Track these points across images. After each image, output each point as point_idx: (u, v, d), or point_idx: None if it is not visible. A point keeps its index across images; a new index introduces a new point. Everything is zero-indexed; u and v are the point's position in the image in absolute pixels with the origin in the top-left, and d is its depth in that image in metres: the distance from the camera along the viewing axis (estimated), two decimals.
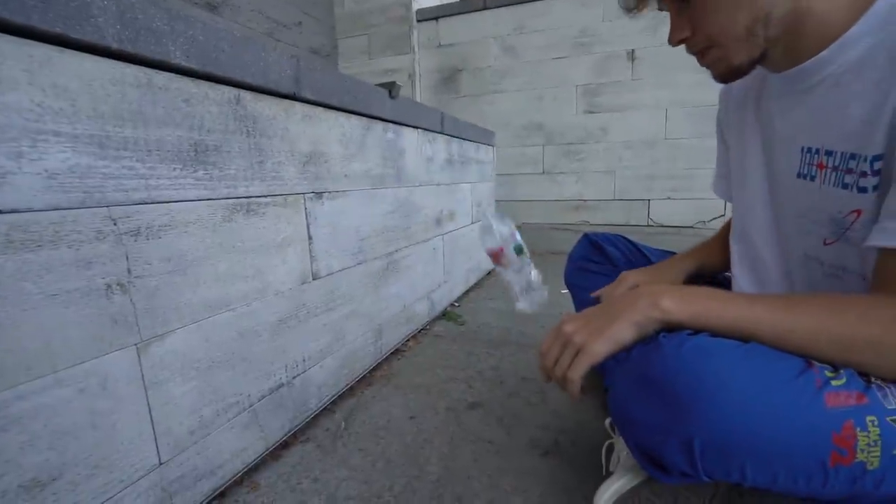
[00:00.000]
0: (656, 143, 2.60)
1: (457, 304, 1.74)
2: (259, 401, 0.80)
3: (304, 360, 0.91)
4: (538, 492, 0.73)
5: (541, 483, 0.75)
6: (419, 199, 1.40)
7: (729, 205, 0.76)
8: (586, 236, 1.00)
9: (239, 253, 0.74)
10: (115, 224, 0.55)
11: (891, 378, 0.46)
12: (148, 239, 0.59)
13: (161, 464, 0.62)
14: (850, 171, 0.50)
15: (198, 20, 0.64)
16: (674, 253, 0.92)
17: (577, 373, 0.52)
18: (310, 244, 0.91)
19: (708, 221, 2.53)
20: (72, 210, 0.51)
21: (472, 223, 1.93)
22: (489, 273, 2.20)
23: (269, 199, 0.79)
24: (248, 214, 0.75)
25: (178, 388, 0.64)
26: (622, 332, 0.51)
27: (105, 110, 0.54)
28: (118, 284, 0.56)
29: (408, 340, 1.37)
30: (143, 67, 0.58)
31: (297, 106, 0.85)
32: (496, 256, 0.89)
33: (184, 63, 0.62)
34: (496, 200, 2.40)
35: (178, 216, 0.63)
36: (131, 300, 0.57)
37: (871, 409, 0.43)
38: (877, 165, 0.47)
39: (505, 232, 0.89)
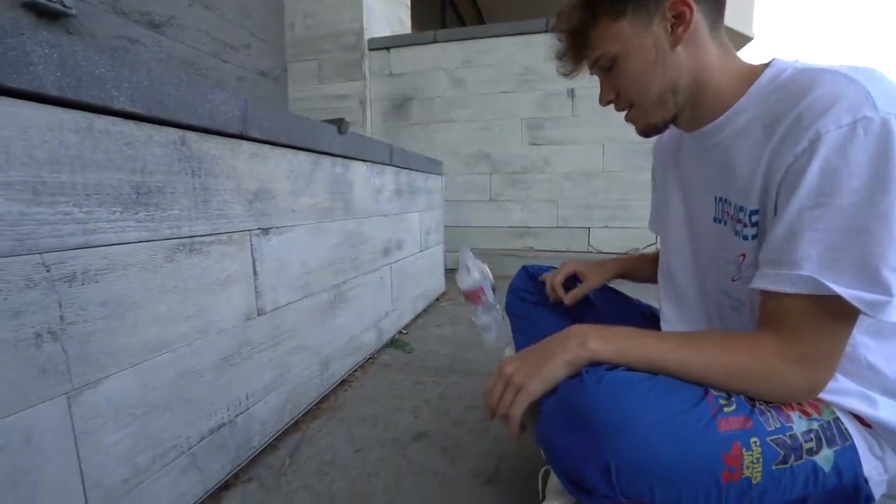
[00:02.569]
0: (595, 174, 2.78)
1: (405, 332, 1.76)
2: (199, 443, 0.78)
3: (247, 398, 0.90)
4: None
5: None
6: (367, 230, 1.42)
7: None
8: (524, 268, 1.06)
9: (181, 293, 0.73)
10: (48, 270, 0.54)
11: (773, 401, 0.54)
12: (83, 284, 0.58)
13: None
14: (739, 220, 0.59)
15: (143, 66, 0.64)
16: (607, 285, 1.00)
17: (517, 410, 0.56)
18: (255, 280, 0.91)
19: (642, 248, 2.73)
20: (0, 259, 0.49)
21: (421, 251, 1.98)
22: (437, 299, 2.24)
23: (213, 238, 0.79)
24: (192, 254, 0.75)
25: (110, 437, 0.62)
26: (556, 371, 0.55)
27: (40, 156, 0.53)
28: (49, 332, 0.54)
29: (355, 371, 1.37)
30: (84, 112, 0.58)
31: (245, 145, 0.87)
32: (474, 297, 0.92)
33: (128, 107, 0.62)
34: (445, 226, 2.46)
35: (116, 259, 0.62)
36: (63, 348, 0.56)
37: (755, 431, 0.51)
38: (754, 218, 0.57)
39: (484, 272, 0.94)
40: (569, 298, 0.92)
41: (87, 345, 0.58)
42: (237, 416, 0.87)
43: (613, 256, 1.04)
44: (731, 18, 0.63)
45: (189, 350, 0.75)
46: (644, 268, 0.96)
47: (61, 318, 0.55)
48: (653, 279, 0.94)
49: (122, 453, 0.64)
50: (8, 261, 0.50)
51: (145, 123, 0.66)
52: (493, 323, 0.93)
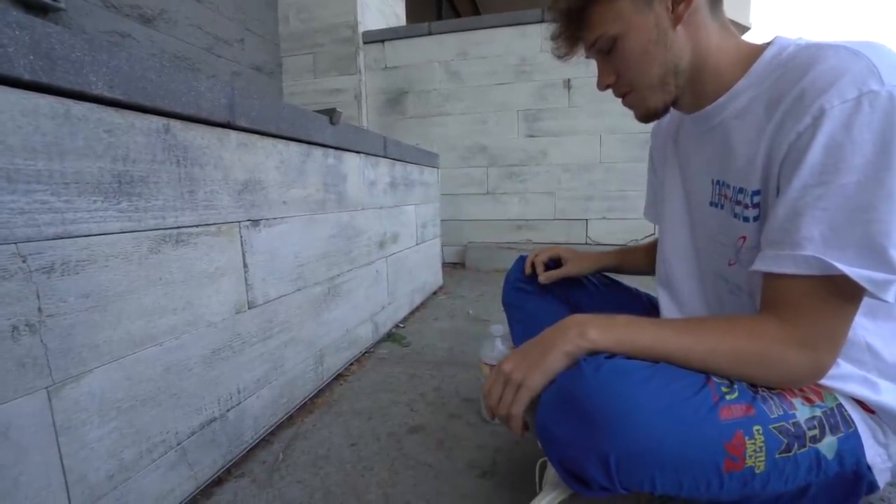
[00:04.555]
0: (592, 166, 2.76)
1: (402, 326, 1.75)
2: (189, 437, 0.76)
3: (238, 392, 0.88)
4: None
5: None
6: (362, 223, 1.40)
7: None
8: (521, 258, 1.05)
9: (167, 285, 0.71)
10: (24, 261, 0.52)
11: (776, 386, 0.53)
12: (63, 275, 0.56)
13: None
14: (739, 202, 0.58)
15: (122, 50, 0.62)
16: (604, 275, 0.99)
17: (519, 408, 0.55)
18: (245, 272, 0.89)
19: (640, 239, 2.71)
20: None
21: (417, 244, 1.96)
22: (435, 293, 2.23)
23: (200, 229, 0.77)
24: (178, 245, 0.73)
25: (94, 432, 0.60)
26: (555, 362, 0.54)
27: (14, 143, 0.51)
28: (26, 325, 0.52)
29: (351, 364, 1.36)
30: (60, 98, 0.56)
31: (232, 134, 0.85)
32: (490, 368, 0.96)
33: (106, 93, 0.60)
34: (442, 220, 2.45)
35: (98, 250, 0.60)
36: (42, 340, 0.54)
37: (757, 419, 0.49)
38: (756, 199, 0.55)
39: (505, 351, 0.98)
40: (544, 277, 0.92)
41: (68, 338, 0.57)
42: (228, 410, 0.85)
43: (611, 248, 1.03)
44: (728, 8, 0.62)
45: (177, 343, 0.73)
46: (636, 259, 0.95)
47: (39, 310, 0.53)
48: (645, 271, 0.93)
49: (107, 448, 0.62)
50: None
51: (126, 110, 0.64)
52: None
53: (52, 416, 0.55)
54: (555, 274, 0.92)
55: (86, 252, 0.59)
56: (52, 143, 0.55)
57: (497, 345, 1.00)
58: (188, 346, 0.76)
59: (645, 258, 0.93)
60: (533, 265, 0.96)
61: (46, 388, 0.55)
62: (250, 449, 0.92)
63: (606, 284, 0.97)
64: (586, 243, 2.82)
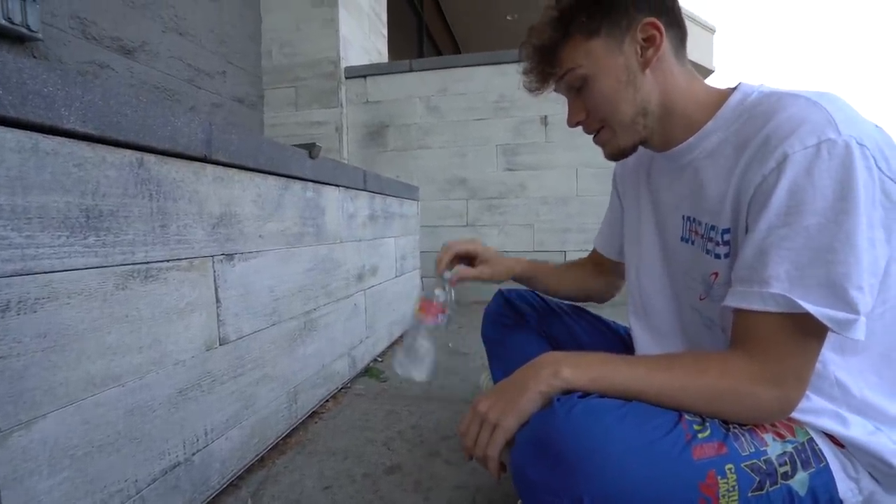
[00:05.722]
0: (569, 199, 2.83)
1: (380, 359, 1.71)
2: (149, 485, 0.72)
3: (206, 434, 0.84)
4: None
5: None
6: (340, 256, 1.39)
7: None
8: (500, 293, 1.05)
9: (132, 322, 0.69)
10: None
11: (746, 423, 0.53)
12: (19, 314, 0.54)
13: None
14: (710, 239, 0.60)
15: (97, 84, 0.62)
16: (579, 307, 1.00)
17: (495, 449, 0.54)
18: (217, 308, 0.86)
19: None
20: None
21: (396, 277, 1.95)
22: None
23: (171, 264, 0.76)
24: (146, 280, 0.71)
25: (43, 483, 0.56)
26: (530, 403, 0.53)
27: None
28: None
29: (326, 401, 1.31)
30: (28, 132, 0.55)
31: (209, 168, 0.84)
32: (436, 310, 0.84)
33: (79, 128, 0.59)
34: (422, 252, 2.45)
35: (59, 287, 0.58)
36: None
37: (730, 457, 0.49)
38: (726, 237, 0.57)
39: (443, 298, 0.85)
40: (451, 275, 0.86)
41: (19, 381, 0.53)
42: (194, 454, 0.81)
43: (520, 256, 1.03)
44: (692, 52, 0.65)
45: (140, 384, 0.70)
46: (544, 276, 0.95)
47: None
48: (550, 291, 0.95)
49: (56, 501, 0.58)
50: None
51: (99, 144, 0.64)
52: (429, 352, 0.85)
53: None
54: (467, 275, 0.86)
55: (46, 289, 0.56)
56: (17, 178, 0.54)
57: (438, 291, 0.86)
58: (153, 387, 0.72)
59: (551, 277, 0.95)
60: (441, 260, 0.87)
61: None
62: (217, 495, 0.87)
63: (582, 316, 0.98)
64: None
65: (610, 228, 0.91)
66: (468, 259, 0.90)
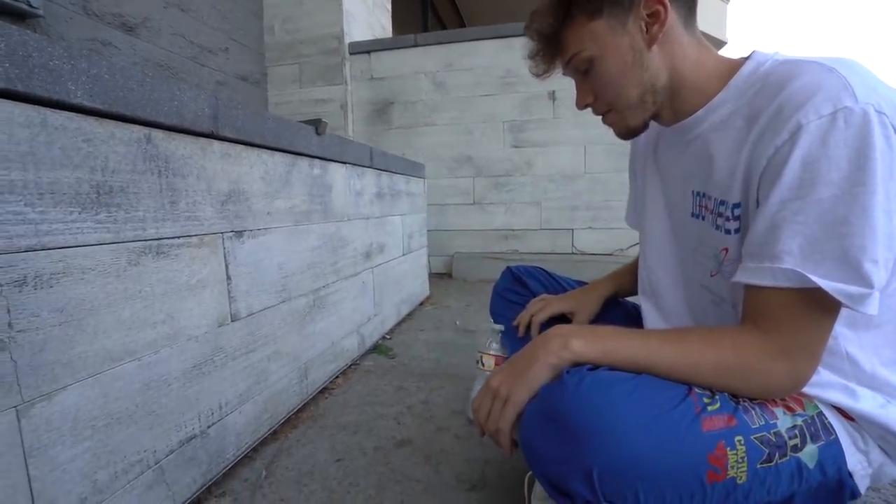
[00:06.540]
0: (577, 176, 2.80)
1: (388, 337, 1.73)
2: (167, 456, 0.74)
3: (220, 408, 0.86)
4: None
5: None
6: (348, 234, 1.39)
7: None
8: (509, 269, 1.05)
9: (146, 298, 0.69)
10: None
11: (758, 397, 0.53)
12: (36, 289, 0.54)
13: None
14: (721, 214, 0.59)
15: (103, 58, 0.61)
16: (586, 283, 0.99)
17: (507, 423, 0.54)
18: (228, 284, 0.87)
19: (626, 249, 2.74)
20: None
21: (404, 255, 1.95)
22: (422, 304, 2.22)
23: (182, 240, 0.76)
24: (158, 257, 0.71)
25: (67, 452, 0.58)
26: (540, 375, 0.54)
27: None
28: None
29: (336, 377, 1.33)
30: (36, 107, 0.54)
31: (216, 144, 0.83)
32: (486, 358, 0.95)
33: (86, 102, 0.59)
34: (428, 230, 2.45)
35: (73, 262, 0.59)
36: (11, 357, 0.52)
37: (739, 430, 0.50)
38: (737, 212, 0.56)
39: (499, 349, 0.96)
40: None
41: (39, 354, 0.55)
42: (209, 426, 0.83)
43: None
44: (704, 23, 0.63)
45: (156, 358, 0.71)
46: (630, 279, 0.90)
47: (10, 325, 0.51)
48: (635, 291, 0.91)
49: (80, 469, 0.60)
50: None
51: (107, 120, 0.63)
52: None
53: (21, 436, 0.53)
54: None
55: (60, 265, 0.57)
56: (27, 153, 0.53)
57: (494, 342, 0.96)
58: (168, 361, 0.74)
59: (630, 278, 0.90)
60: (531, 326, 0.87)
61: (15, 407, 0.52)
62: (232, 467, 0.90)
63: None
64: (572, 253, 2.84)
65: (632, 201, 0.89)
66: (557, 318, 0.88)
